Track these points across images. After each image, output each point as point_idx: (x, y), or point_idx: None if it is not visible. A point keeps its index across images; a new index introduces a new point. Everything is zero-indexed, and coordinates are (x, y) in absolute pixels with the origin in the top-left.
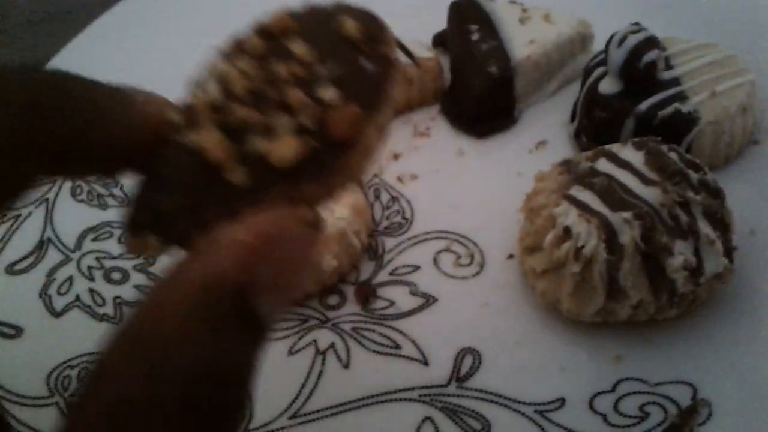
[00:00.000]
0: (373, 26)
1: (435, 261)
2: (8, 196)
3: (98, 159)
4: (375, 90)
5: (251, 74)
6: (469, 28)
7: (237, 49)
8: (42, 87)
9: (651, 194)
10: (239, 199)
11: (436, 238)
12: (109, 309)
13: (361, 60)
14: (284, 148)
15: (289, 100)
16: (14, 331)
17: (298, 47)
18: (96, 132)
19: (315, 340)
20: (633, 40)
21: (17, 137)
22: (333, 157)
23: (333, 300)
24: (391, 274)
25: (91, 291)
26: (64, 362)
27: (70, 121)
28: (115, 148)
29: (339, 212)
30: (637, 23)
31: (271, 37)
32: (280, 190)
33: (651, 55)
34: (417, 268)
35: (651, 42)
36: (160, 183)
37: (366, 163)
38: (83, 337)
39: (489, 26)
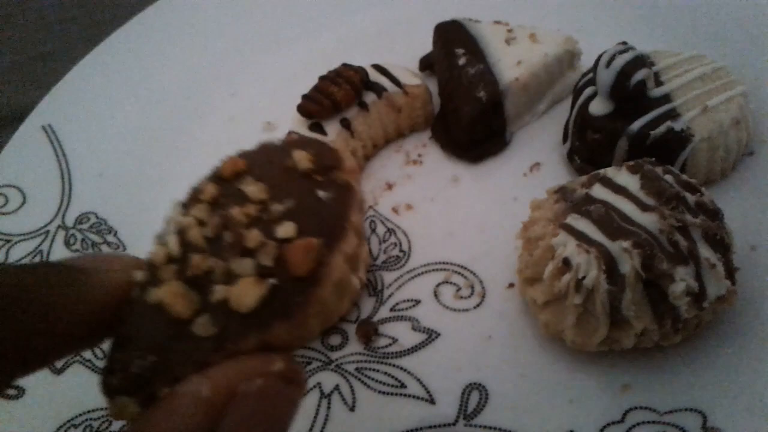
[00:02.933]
0: (325, 154)
1: (435, 294)
2: None
3: (71, 340)
4: (334, 218)
5: (207, 221)
6: (455, 52)
7: (193, 198)
8: None
9: (649, 220)
10: (207, 351)
11: (435, 270)
12: None
13: (316, 191)
14: (243, 291)
15: (247, 242)
16: (16, 392)
17: (250, 187)
18: (58, 319)
19: (319, 383)
20: (621, 60)
21: None
22: (298, 294)
23: (335, 340)
24: (391, 310)
25: None
26: (68, 421)
27: (24, 319)
28: (84, 324)
29: None
30: (624, 42)
31: (224, 181)
32: (249, 335)
33: (640, 75)
34: (417, 302)
35: (639, 61)
36: (130, 343)
37: (342, 295)
38: (85, 393)
39: (475, 49)
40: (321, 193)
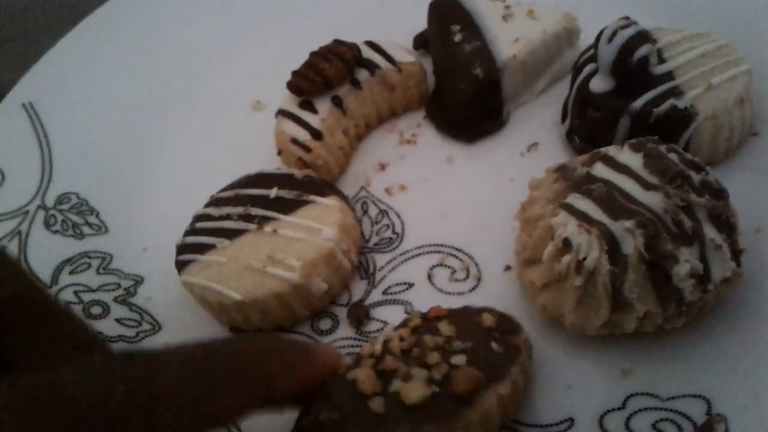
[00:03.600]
0: (507, 323)
1: (429, 277)
2: None
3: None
4: (498, 366)
5: (405, 339)
6: (451, 29)
7: (403, 323)
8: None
9: (653, 199)
10: (375, 423)
11: (429, 252)
12: None
13: (491, 343)
14: (413, 389)
15: (428, 359)
16: None
17: (444, 326)
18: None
19: None
20: (623, 35)
21: None
22: (452, 406)
23: (325, 324)
24: (384, 293)
25: None
26: None
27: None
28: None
29: (326, 232)
30: (626, 17)
31: (427, 319)
32: (404, 423)
33: (643, 51)
34: (411, 285)
35: (642, 36)
36: (326, 399)
37: (483, 426)
38: None
39: (471, 25)
40: (494, 346)
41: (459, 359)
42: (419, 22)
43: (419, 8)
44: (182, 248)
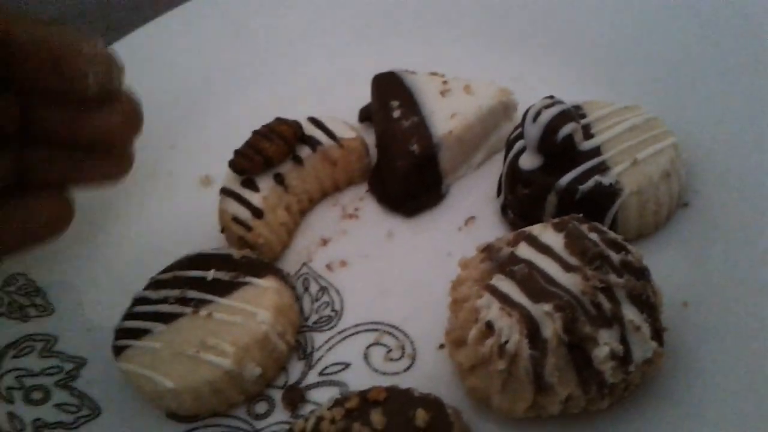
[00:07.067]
0: (440, 423)
1: (365, 356)
2: None
3: None
4: None
5: (337, 422)
6: (390, 104)
7: (340, 402)
8: None
9: (572, 282)
10: None
11: (367, 330)
12: None
13: None
14: None
15: None
16: None
17: (377, 416)
18: None
19: None
20: (547, 114)
21: None
22: None
23: (261, 408)
24: (320, 374)
25: (11, 415)
26: None
27: None
28: None
29: (261, 315)
30: (551, 96)
31: (365, 400)
32: None
33: (567, 129)
34: (347, 365)
35: (566, 115)
36: None
37: None
38: None
39: (410, 101)
40: None
41: None
42: (366, 94)
43: (364, 82)
44: (120, 332)
